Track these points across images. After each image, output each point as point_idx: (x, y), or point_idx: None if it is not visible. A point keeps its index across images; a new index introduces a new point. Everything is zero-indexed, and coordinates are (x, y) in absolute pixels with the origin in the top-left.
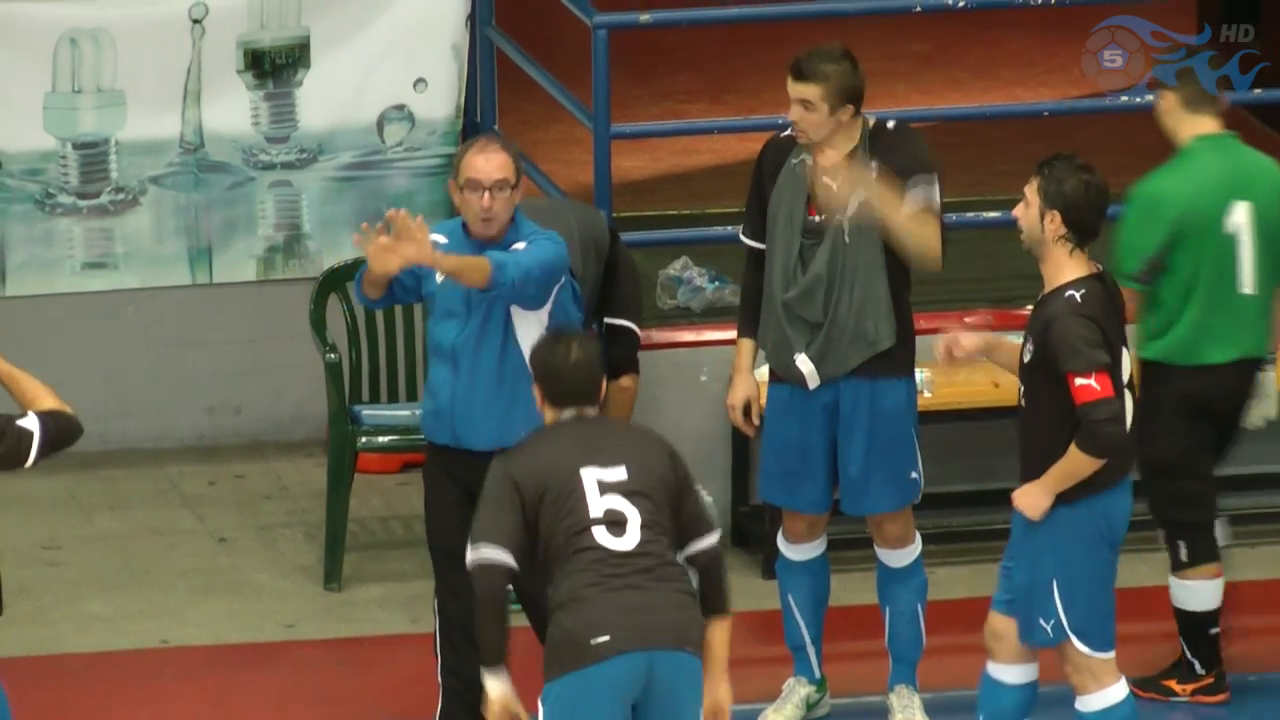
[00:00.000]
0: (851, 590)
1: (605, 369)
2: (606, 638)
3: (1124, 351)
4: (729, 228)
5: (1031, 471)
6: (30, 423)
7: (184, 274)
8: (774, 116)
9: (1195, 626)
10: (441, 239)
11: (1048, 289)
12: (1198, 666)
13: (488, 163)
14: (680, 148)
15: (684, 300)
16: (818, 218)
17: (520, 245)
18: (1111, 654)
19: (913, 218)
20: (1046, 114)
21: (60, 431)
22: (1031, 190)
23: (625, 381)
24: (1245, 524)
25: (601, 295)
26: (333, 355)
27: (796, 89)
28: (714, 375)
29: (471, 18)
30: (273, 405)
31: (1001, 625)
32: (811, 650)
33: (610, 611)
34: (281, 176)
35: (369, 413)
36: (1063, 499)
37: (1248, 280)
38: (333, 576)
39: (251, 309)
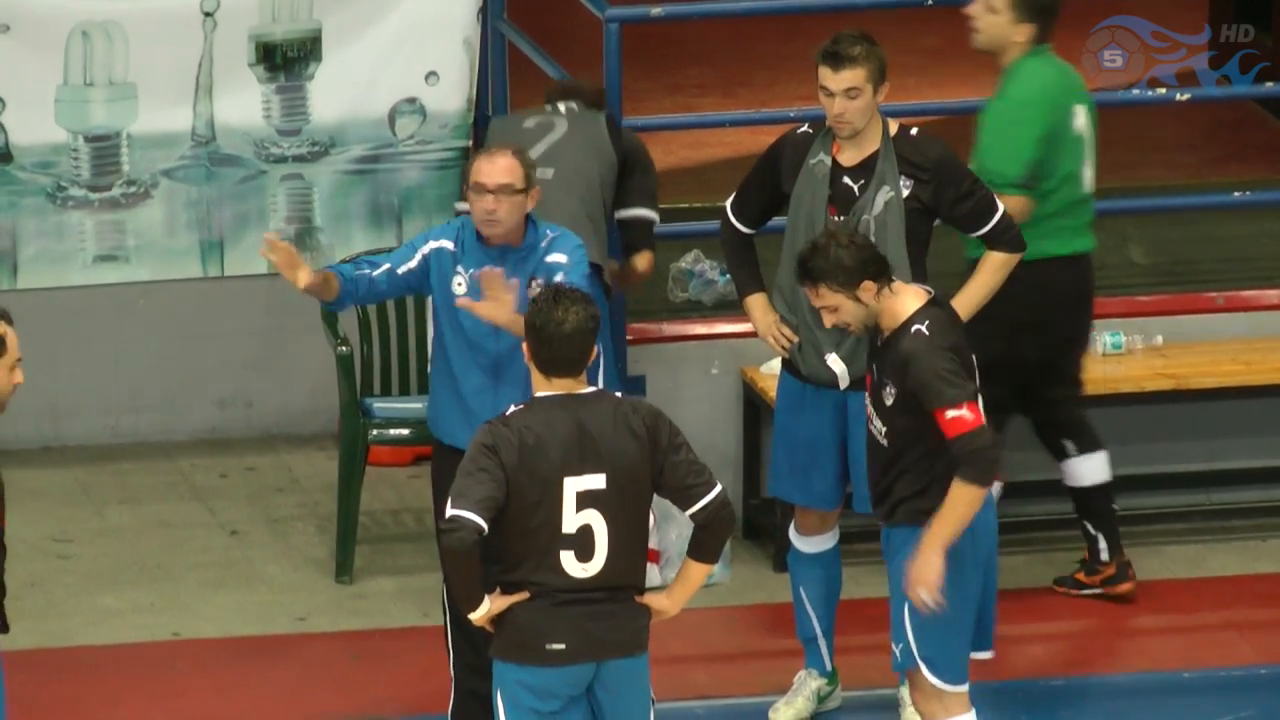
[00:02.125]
0: (863, 583)
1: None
2: (561, 646)
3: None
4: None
5: (889, 507)
6: None
7: (195, 267)
8: (785, 110)
9: (1090, 501)
10: (449, 245)
11: (889, 330)
12: (1102, 549)
13: (492, 166)
14: (692, 141)
15: (695, 293)
16: (839, 218)
17: (560, 258)
18: (964, 687)
19: (1002, 266)
20: None
21: None
22: (824, 296)
23: (640, 263)
24: (1258, 517)
25: (618, 188)
26: (344, 348)
27: (840, 79)
28: (725, 368)
29: (483, 11)
30: (284, 398)
31: None
32: (823, 643)
33: (566, 620)
34: (293, 169)
35: (380, 405)
36: (920, 520)
37: (1088, 180)
38: (344, 569)
39: (263, 302)
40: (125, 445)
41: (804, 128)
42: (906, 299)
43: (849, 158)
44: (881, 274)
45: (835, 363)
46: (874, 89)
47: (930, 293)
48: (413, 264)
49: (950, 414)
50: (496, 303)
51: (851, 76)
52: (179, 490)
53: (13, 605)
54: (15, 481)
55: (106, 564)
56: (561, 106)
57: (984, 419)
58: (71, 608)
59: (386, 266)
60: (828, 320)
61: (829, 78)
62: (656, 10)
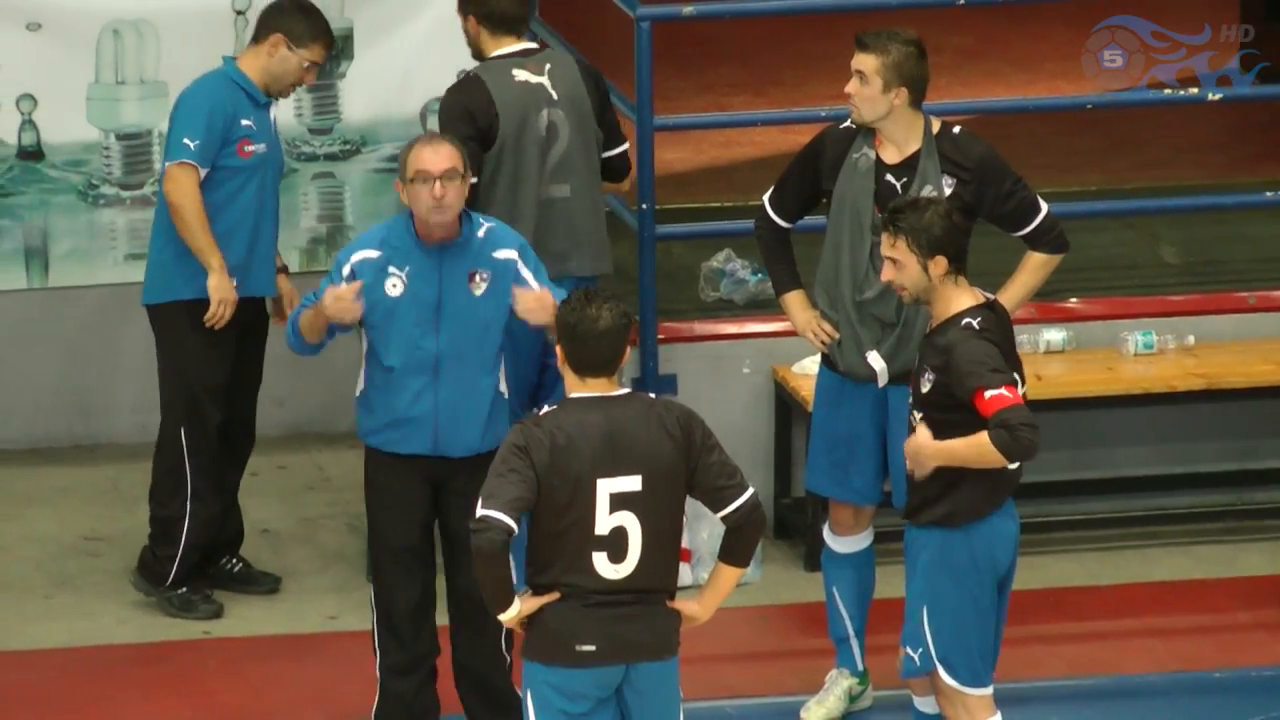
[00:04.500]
0: (895, 583)
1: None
2: (592, 648)
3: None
4: None
5: (914, 504)
6: None
7: None
8: (817, 109)
9: None
10: (371, 253)
11: (938, 321)
12: None
13: (435, 153)
14: (723, 140)
15: (726, 292)
16: (883, 216)
17: (510, 254)
18: (985, 690)
19: (1041, 266)
20: (1090, 106)
21: None
22: (900, 250)
23: (625, 185)
24: (1267, 518)
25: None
26: None
27: (856, 60)
28: (756, 367)
29: None
30: (315, 396)
31: None
32: (855, 642)
33: (596, 621)
34: (324, 168)
35: None
36: (945, 522)
37: None
38: None
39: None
40: (155, 443)
41: (846, 123)
42: (965, 295)
43: (891, 155)
44: (957, 260)
45: (875, 360)
46: (884, 84)
47: (988, 298)
48: (347, 276)
49: (990, 393)
50: (539, 303)
51: (863, 60)
52: None
53: (44, 604)
54: (47, 480)
55: (137, 562)
56: (546, 80)
57: (1024, 403)
58: (102, 606)
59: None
60: (886, 273)
61: (854, 57)
62: (688, 9)
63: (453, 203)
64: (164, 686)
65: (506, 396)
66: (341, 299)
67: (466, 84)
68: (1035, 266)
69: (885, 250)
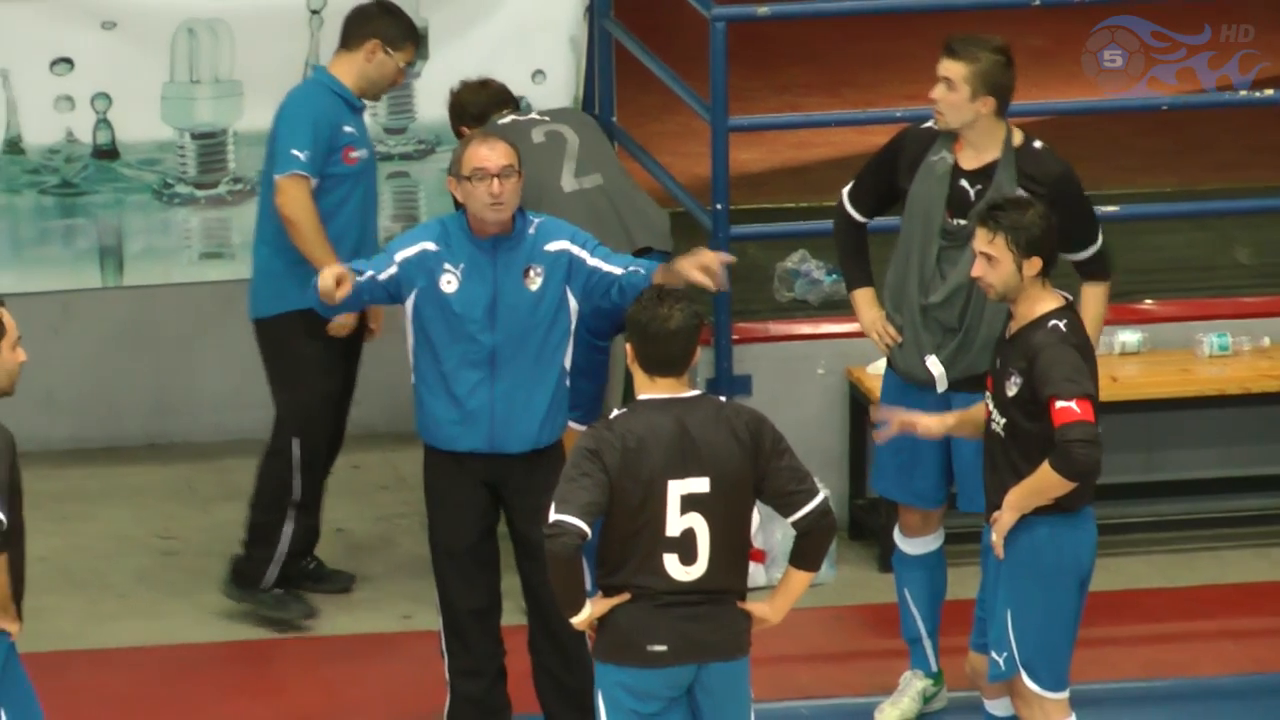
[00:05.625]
0: (968, 584)
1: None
2: (663, 648)
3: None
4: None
5: (996, 505)
6: None
7: None
8: (891, 110)
9: None
10: (431, 245)
11: (1022, 323)
12: None
13: (492, 150)
14: (797, 141)
15: (801, 293)
16: (957, 222)
17: (563, 244)
18: (1064, 694)
19: (1101, 298)
20: (1165, 108)
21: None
22: (997, 247)
23: None
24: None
25: None
26: None
27: (943, 65)
28: (831, 368)
29: (590, 10)
30: (389, 395)
31: (979, 664)
32: (928, 643)
33: (667, 622)
34: (399, 168)
35: None
36: (1022, 526)
37: None
38: None
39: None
40: (230, 442)
41: (928, 124)
42: (1051, 297)
43: (969, 160)
44: (1051, 262)
45: (934, 365)
46: (971, 92)
47: (1067, 299)
48: (392, 270)
49: (1060, 404)
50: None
51: (951, 67)
52: None
53: (119, 603)
54: (121, 478)
55: (212, 561)
56: (534, 115)
57: (1094, 420)
58: (177, 605)
59: (370, 273)
60: (976, 268)
61: (939, 62)
62: (763, 9)
63: (510, 199)
64: (238, 686)
65: (569, 385)
66: (329, 286)
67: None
68: (1097, 299)
69: (980, 245)
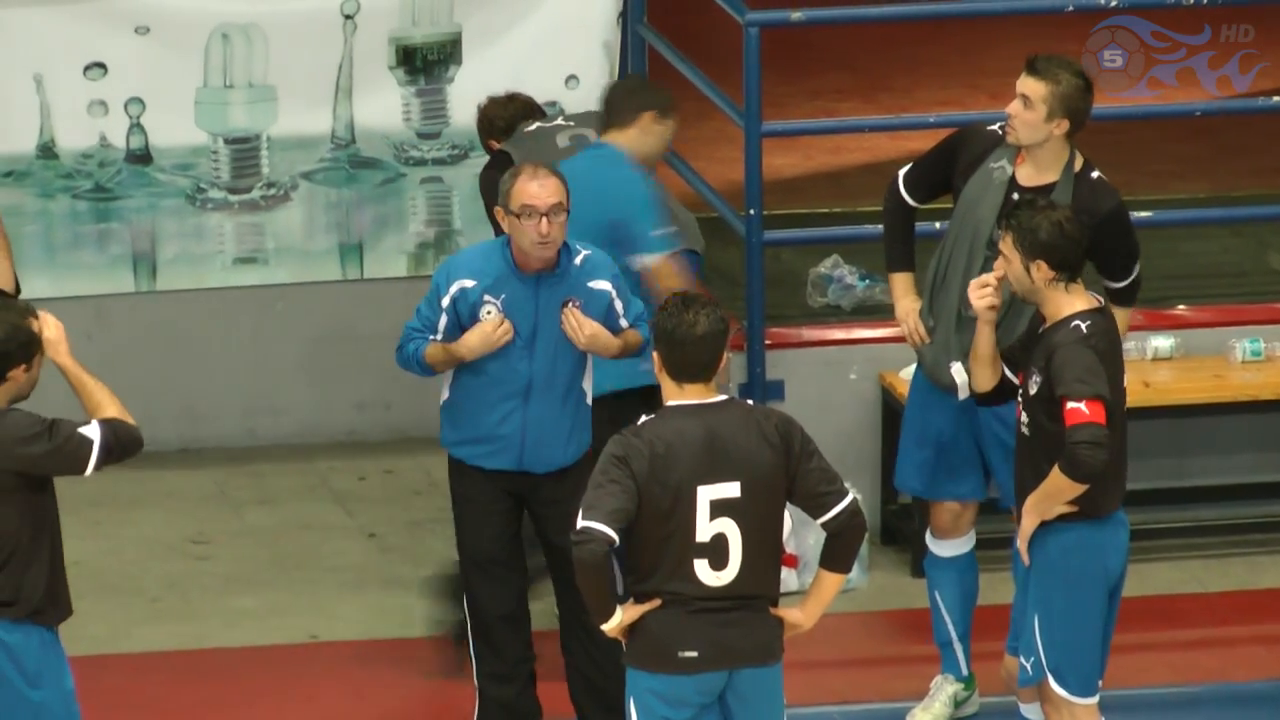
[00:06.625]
0: (1002, 590)
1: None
2: (694, 654)
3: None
4: (880, 226)
5: (1021, 507)
6: (91, 431)
7: (335, 269)
8: (925, 115)
9: None
10: (468, 283)
11: (1050, 321)
12: None
13: (542, 188)
14: (831, 146)
15: (834, 298)
16: (1000, 233)
17: (604, 285)
18: (1093, 700)
19: (1124, 322)
20: (1199, 114)
21: (120, 442)
22: (1008, 246)
23: None
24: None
25: None
26: None
27: (1023, 83)
28: (864, 374)
29: (623, 15)
30: (423, 400)
31: (1014, 668)
32: (959, 648)
33: (698, 627)
34: (433, 173)
35: None
36: (1051, 531)
37: None
38: None
39: (402, 305)
40: (263, 447)
41: (996, 126)
42: (1078, 298)
43: (1028, 176)
44: (1063, 268)
45: (959, 372)
46: (1048, 112)
47: (1100, 301)
48: (444, 321)
49: (1071, 404)
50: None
51: (1032, 85)
52: (317, 492)
53: (150, 607)
54: (153, 482)
55: (244, 566)
56: (559, 120)
57: (1104, 421)
58: (209, 609)
59: (434, 339)
60: (997, 267)
61: (1019, 79)
62: (796, 14)
63: (557, 238)
64: (269, 691)
65: (589, 401)
66: (490, 338)
67: (497, 159)
68: (1124, 322)
69: (1000, 244)
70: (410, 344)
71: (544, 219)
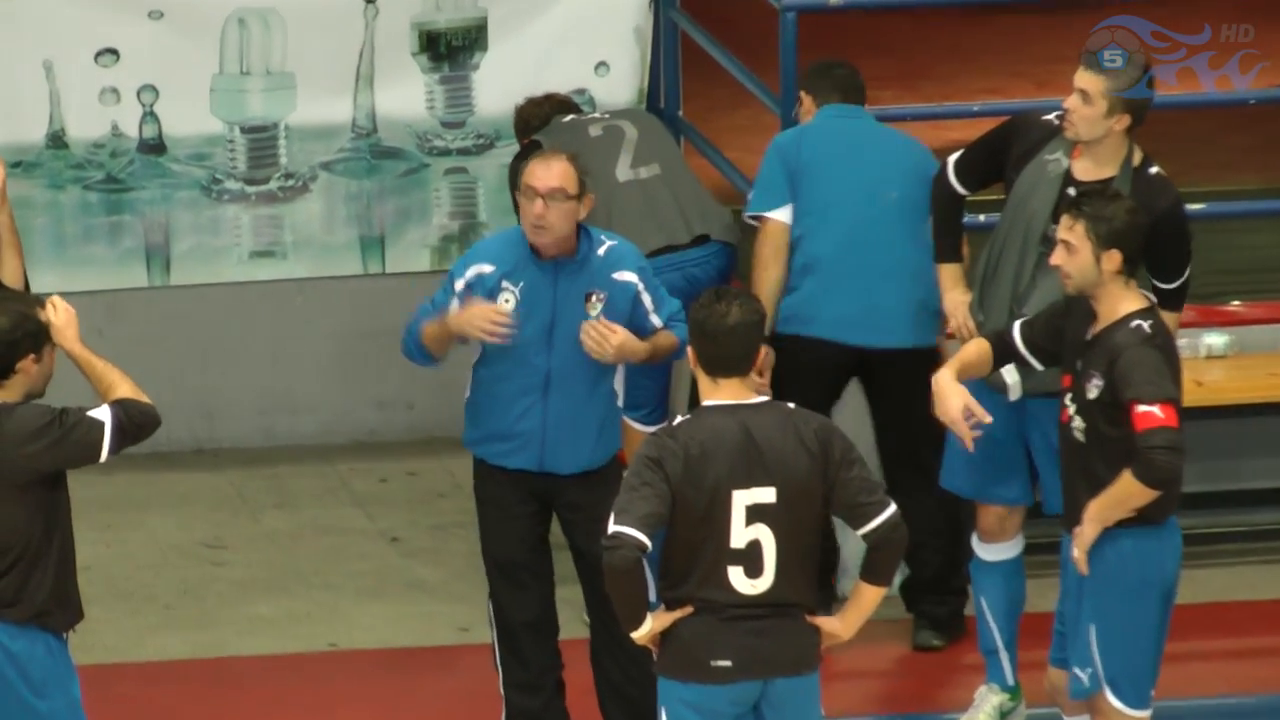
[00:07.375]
0: (1048, 596)
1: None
2: (728, 663)
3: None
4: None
5: (1075, 515)
6: (102, 413)
7: (355, 263)
8: (968, 104)
9: None
10: (486, 268)
11: (1105, 323)
12: None
13: (546, 170)
14: None
15: None
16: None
17: (629, 277)
18: (1147, 712)
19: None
20: (1252, 103)
21: (134, 421)
22: (1077, 235)
23: None
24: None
25: None
26: None
27: (1081, 77)
28: None
29: (655, 0)
30: (446, 400)
31: (1059, 679)
32: (1004, 656)
33: (732, 636)
34: (457, 163)
35: None
36: (1106, 538)
37: None
38: None
39: (425, 300)
40: (281, 448)
41: (1051, 115)
42: (1134, 296)
43: (1085, 171)
44: (1132, 260)
45: (1009, 373)
46: (1108, 108)
47: (1152, 300)
48: (455, 305)
49: (1142, 408)
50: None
51: (1090, 80)
52: (337, 495)
53: (164, 613)
54: (168, 485)
55: (261, 571)
56: (595, 114)
57: (1178, 425)
58: (225, 616)
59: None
60: (1056, 256)
61: (1077, 73)
62: (834, 0)
63: (554, 224)
64: (288, 700)
65: (621, 404)
66: (489, 319)
67: (527, 150)
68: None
69: (1062, 233)
70: (415, 324)
71: (540, 200)
